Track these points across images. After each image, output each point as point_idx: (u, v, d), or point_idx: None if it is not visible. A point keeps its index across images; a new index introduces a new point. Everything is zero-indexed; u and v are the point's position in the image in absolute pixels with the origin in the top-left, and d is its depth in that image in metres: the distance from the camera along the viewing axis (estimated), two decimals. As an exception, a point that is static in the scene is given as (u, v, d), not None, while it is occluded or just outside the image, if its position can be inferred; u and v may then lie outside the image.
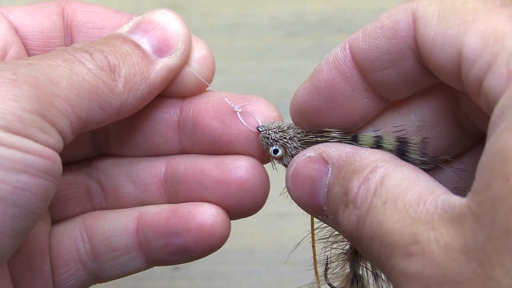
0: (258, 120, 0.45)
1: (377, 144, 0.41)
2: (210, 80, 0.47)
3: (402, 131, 0.41)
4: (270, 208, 0.44)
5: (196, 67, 0.46)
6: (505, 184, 0.29)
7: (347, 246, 0.44)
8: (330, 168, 0.39)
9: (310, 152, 0.41)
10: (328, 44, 0.87)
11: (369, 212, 0.35)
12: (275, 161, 0.45)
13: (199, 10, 0.83)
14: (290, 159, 0.44)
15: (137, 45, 0.43)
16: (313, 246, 0.46)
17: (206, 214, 0.45)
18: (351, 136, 0.42)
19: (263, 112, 0.46)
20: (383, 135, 0.41)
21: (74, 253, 0.48)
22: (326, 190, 0.39)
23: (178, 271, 0.77)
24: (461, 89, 0.35)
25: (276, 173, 0.46)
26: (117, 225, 0.48)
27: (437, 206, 0.32)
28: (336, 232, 0.43)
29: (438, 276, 0.31)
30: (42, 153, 0.36)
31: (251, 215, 0.47)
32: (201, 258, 0.47)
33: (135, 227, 0.47)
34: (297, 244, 0.45)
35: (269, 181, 0.46)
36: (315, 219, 0.44)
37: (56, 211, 0.49)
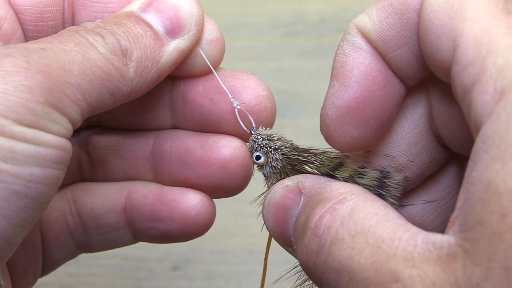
0: (253, 122, 0.44)
1: (359, 173, 0.40)
2: (219, 62, 0.45)
3: (390, 164, 0.40)
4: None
5: (207, 49, 0.44)
6: (502, 220, 0.28)
7: None
8: (302, 198, 0.38)
9: (289, 181, 0.40)
10: (328, 44, 0.87)
11: (334, 244, 0.33)
12: (256, 168, 0.44)
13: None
14: (270, 170, 0.43)
15: (149, 26, 0.42)
16: (265, 264, 0.45)
17: (191, 203, 0.45)
18: (336, 163, 0.41)
19: (253, 90, 0.44)
20: (367, 168, 0.41)
21: (63, 226, 0.48)
22: (295, 220, 0.38)
23: (178, 271, 0.77)
24: (447, 80, 0.35)
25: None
26: (105, 202, 0.48)
27: (417, 245, 0.31)
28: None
29: None
30: (54, 144, 0.36)
31: (231, 196, 0.46)
32: (185, 241, 0.47)
33: (123, 206, 0.47)
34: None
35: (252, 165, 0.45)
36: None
37: None
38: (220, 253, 0.77)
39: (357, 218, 0.34)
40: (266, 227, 0.40)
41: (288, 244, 0.39)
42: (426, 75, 0.38)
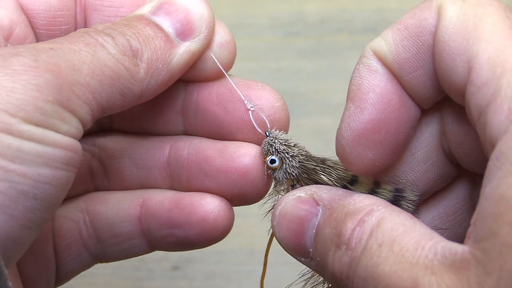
0: (267, 122, 0.44)
1: (374, 190, 0.41)
2: (230, 65, 0.45)
3: (401, 183, 0.41)
4: (270, 208, 0.44)
5: (218, 52, 0.44)
6: None
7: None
8: (320, 210, 0.38)
9: (301, 192, 0.40)
10: (328, 44, 0.87)
11: (363, 254, 0.34)
12: (267, 170, 0.44)
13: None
14: (283, 175, 0.43)
15: (160, 28, 0.42)
16: (265, 264, 0.46)
17: (209, 207, 0.45)
18: (351, 176, 0.41)
19: (267, 100, 0.44)
20: (382, 182, 0.41)
21: (76, 236, 0.48)
22: (314, 231, 0.38)
23: (178, 271, 0.77)
24: (461, 102, 0.35)
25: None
26: (120, 211, 0.47)
27: (437, 253, 0.32)
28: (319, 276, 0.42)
29: None
30: (63, 144, 0.35)
31: (252, 203, 0.46)
32: (203, 248, 0.47)
33: (138, 214, 0.47)
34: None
35: (269, 173, 0.45)
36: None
37: None
38: (220, 253, 0.77)
39: (385, 228, 0.34)
40: (276, 238, 0.40)
41: (303, 254, 0.39)
42: (441, 98, 0.38)
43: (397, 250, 0.33)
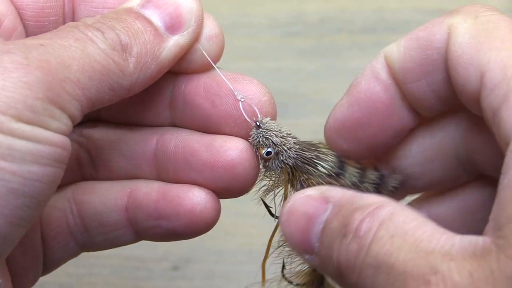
0: (258, 113, 0.44)
1: (360, 176, 0.44)
2: (219, 58, 0.45)
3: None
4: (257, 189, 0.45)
5: (206, 45, 0.44)
6: None
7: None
8: (330, 206, 0.39)
9: (311, 191, 0.40)
10: (328, 44, 0.87)
11: (373, 242, 0.34)
12: (261, 161, 0.44)
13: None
14: (277, 164, 0.44)
15: (149, 22, 0.42)
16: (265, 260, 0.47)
17: (196, 200, 0.45)
18: (339, 161, 0.44)
19: (254, 94, 0.44)
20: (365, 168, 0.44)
21: (64, 225, 0.48)
22: (322, 227, 0.38)
23: (178, 271, 0.77)
24: (478, 113, 0.37)
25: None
26: (107, 201, 0.47)
27: (455, 244, 0.32)
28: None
29: None
30: (53, 141, 0.36)
31: (238, 196, 0.46)
32: (190, 238, 0.47)
33: (125, 204, 0.47)
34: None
35: (258, 164, 0.45)
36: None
37: None
38: (219, 253, 0.77)
39: (397, 221, 0.35)
40: (283, 233, 0.40)
41: (307, 251, 0.39)
42: (445, 109, 0.41)
43: (411, 241, 0.33)
